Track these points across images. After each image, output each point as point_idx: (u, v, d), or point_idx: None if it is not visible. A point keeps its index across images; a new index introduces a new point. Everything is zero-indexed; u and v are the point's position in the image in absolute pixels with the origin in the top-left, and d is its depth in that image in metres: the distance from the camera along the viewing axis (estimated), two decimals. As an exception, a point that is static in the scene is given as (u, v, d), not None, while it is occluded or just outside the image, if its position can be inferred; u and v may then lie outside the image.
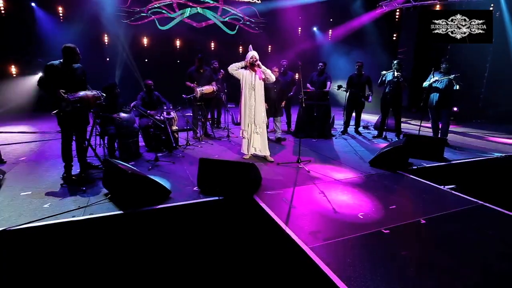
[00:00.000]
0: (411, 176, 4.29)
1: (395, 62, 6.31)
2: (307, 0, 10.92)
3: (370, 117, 8.92)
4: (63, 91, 3.63)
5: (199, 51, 6.71)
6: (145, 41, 10.81)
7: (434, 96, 5.92)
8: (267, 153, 4.95)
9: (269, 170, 4.53)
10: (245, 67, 4.78)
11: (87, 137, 4.22)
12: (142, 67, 10.44)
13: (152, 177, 3.41)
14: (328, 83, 6.87)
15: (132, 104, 5.50)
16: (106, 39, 10.26)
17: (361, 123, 7.64)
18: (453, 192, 3.72)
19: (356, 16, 10.38)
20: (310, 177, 4.23)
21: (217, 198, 3.46)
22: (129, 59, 10.11)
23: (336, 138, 6.77)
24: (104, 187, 3.64)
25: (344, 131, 7.22)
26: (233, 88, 7.76)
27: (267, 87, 6.22)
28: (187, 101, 6.33)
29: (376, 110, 8.52)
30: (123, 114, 4.82)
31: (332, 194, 3.64)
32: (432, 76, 5.95)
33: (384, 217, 3.05)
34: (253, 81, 4.72)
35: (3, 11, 8.95)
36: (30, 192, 3.56)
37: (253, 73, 4.72)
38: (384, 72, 6.48)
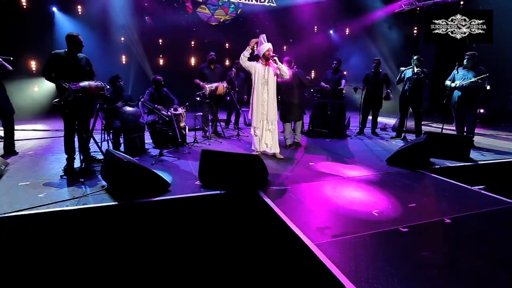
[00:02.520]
0: (433, 175, 3.90)
1: (415, 57, 5.93)
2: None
3: (387, 120, 8.47)
4: (63, 80, 3.56)
5: (212, 49, 6.57)
6: (160, 38, 10.86)
7: (456, 95, 5.50)
8: (277, 150, 4.70)
9: (277, 166, 4.27)
10: (257, 60, 4.56)
11: (90, 129, 4.13)
12: (155, 65, 10.51)
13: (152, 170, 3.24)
14: (343, 81, 6.58)
15: (140, 103, 5.43)
16: (122, 38, 10.43)
17: (379, 125, 7.25)
18: (482, 191, 3.32)
19: (373, 12, 10.03)
20: (321, 174, 3.93)
21: (218, 192, 3.24)
22: (143, 58, 10.18)
23: (351, 138, 6.43)
24: (102, 179, 3.49)
25: (360, 132, 6.87)
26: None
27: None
28: (196, 102, 6.20)
29: (394, 112, 8.10)
30: (128, 108, 4.72)
31: (344, 191, 3.33)
32: (456, 72, 5.55)
33: (402, 215, 2.71)
34: (266, 75, 4.48)
35: (24, 8, 9.23)
36: (28, 183, 3.46)
37: (266, 66, 4.48)
38: (402, 68, 6.12)
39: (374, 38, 9.92)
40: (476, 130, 5.79)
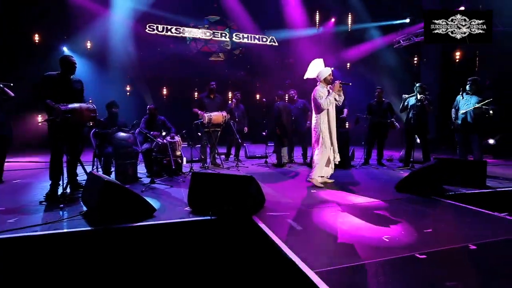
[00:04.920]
0: (449, 201, 3.53)
1: (417, 85, 5.83)
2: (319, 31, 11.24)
3: (392, 154, 8.14)
4: (51, 100, 3.43)
5: (213, 80, 6.54)
6: (162, 70, 11.06)
7: (461, 119, 5.28)
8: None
9: (275, 193, 3.94)
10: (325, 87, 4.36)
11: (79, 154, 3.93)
12: (157, 94, 10.58)
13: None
14: (345, 110, 6.43)
15: (137, 131, 5.32)
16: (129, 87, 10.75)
17: (384, 156, 6.94)
18: (506, 217, 2.93)
19: (372, 42, 10.23)
20: (323, 201, 3.59)
21: (208, 218, 2.90)
22: (145, 87, 10.30)
23: (356, 168, 6.10)
24: (83, 204, 3.20)
25: (366, 163, 6.55)
26: (251, 124, 7.51)
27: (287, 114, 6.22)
28: (195, 136, 6.05)
29: (399, 144, 7.83)
30: (121, 134, 4.56)
31: (350, 217, 2.96)
32: (460, 98, 5.39)
33: (417, 241, 2.33)
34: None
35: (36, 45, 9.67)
36: (3, 208, 3.18)
37: (328, 91, 4.34)
38: (405, 96, 5.98)
39: (374, 68, 9.96)
40: (489, 161, 5.45)
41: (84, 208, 3.13)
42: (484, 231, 2.54)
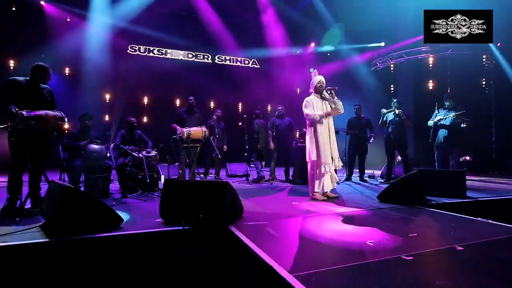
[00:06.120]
0: (432, 209, 3.45)
1: (394, 100, 5.95)
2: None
3: (374, 170, 8.16)
4: (13, 106, 3.18)
5: (192, 95, 6.40)
6: (142, 80, 10.40)
7: (441, 134, 5.41)
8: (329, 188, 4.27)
9: (255, 204, 3.77)
10: (312, 93, 4.31)
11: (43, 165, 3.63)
12: (137, 107, 10.20)
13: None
14: (326, 126, 6.44)
15: (112, 145, 5.07)
16: (107, 96, 10.41)
17: (366, 173, 6.90)
18: (490, 221, 2.87)
19: (349, 59, 10.53)
20: (305, 211, 3.43)
21: (181, 228, 2.67)
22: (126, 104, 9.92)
23: (338, 184, 5.99)
24: (41, 215, 2.90)
25: (348, 179, 6.48)
26: (233, 143, 7.35)
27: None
28: (173, 146, 5.84)
29: (381, 161, 7.86)
30: (93, 146, 4.30)
31: (332, 225, 2.81)
32: (437, 112, 5.53)
33: (403, 244, 2.20)
34: (324, 108, 4.19)
35: (12, 67, 9.32)
36: None
37: (323, 100, 4.24)
38: (384, 111, 6.07)
39: (352, 84, 10.14)
40: (467, 177, 5.53)
41: (44, 221, 2.83)
42: (469, 234, 2.45)
